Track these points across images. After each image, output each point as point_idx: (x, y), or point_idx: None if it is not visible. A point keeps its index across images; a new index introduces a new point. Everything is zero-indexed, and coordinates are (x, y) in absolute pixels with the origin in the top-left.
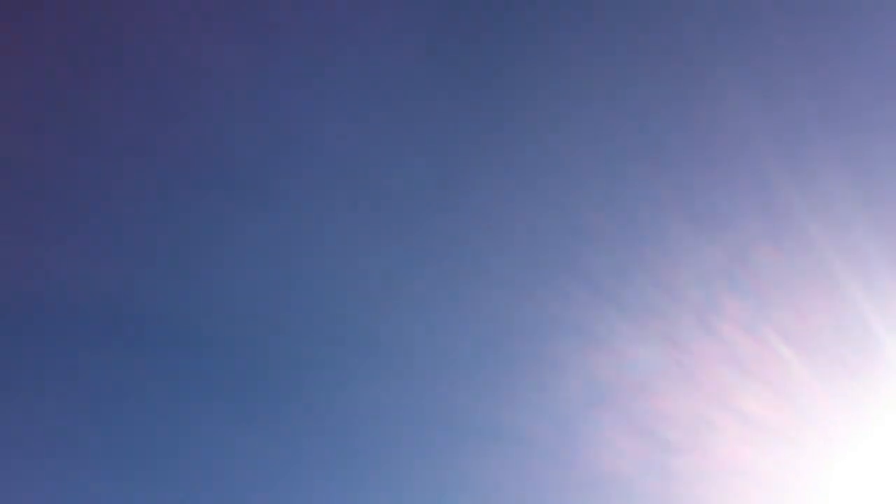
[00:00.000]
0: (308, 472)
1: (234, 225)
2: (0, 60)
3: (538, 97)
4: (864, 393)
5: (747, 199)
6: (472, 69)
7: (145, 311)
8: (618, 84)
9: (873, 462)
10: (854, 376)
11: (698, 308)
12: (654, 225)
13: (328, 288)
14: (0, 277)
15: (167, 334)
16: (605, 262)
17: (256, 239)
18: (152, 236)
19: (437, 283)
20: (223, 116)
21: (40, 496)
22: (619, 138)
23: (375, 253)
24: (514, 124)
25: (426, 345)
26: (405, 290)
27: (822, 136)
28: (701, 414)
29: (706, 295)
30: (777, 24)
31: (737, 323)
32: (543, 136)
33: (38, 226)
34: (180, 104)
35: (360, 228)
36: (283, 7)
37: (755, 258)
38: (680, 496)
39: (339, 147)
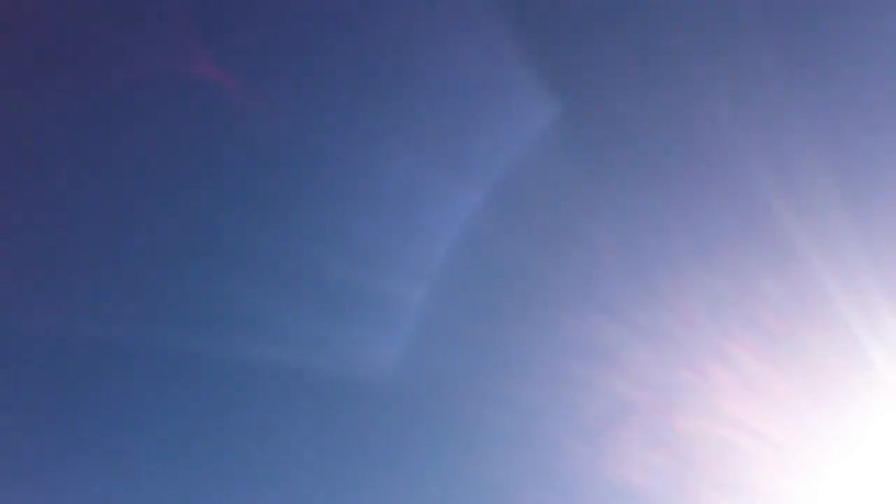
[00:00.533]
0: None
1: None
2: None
3: (553, 111)
4: (866, 412)
5: (753, 228)
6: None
7: (143, 311)
8: (630, 103)
9: (877, 479)
10: (855, 397)
11: (709, 331)
12: (669, 258)
13: (344, 300)
14: None
15: (165, 334)
16: (624, 292)
17: (255, 241)
18: (147, 237)
19: (469, 313)
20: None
21: (39, 496)
22: (634, 174)
23: (399, 278)
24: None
25: (456, 364)
26: (436, 320)
27: (821, 165)
28: (710, 430)
29: (716, 318)
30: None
31: (745, 345)
32: (566, 164)
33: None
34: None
35: (372, 244)
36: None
37: (761, 286)
38: None
39: (337, 150)
